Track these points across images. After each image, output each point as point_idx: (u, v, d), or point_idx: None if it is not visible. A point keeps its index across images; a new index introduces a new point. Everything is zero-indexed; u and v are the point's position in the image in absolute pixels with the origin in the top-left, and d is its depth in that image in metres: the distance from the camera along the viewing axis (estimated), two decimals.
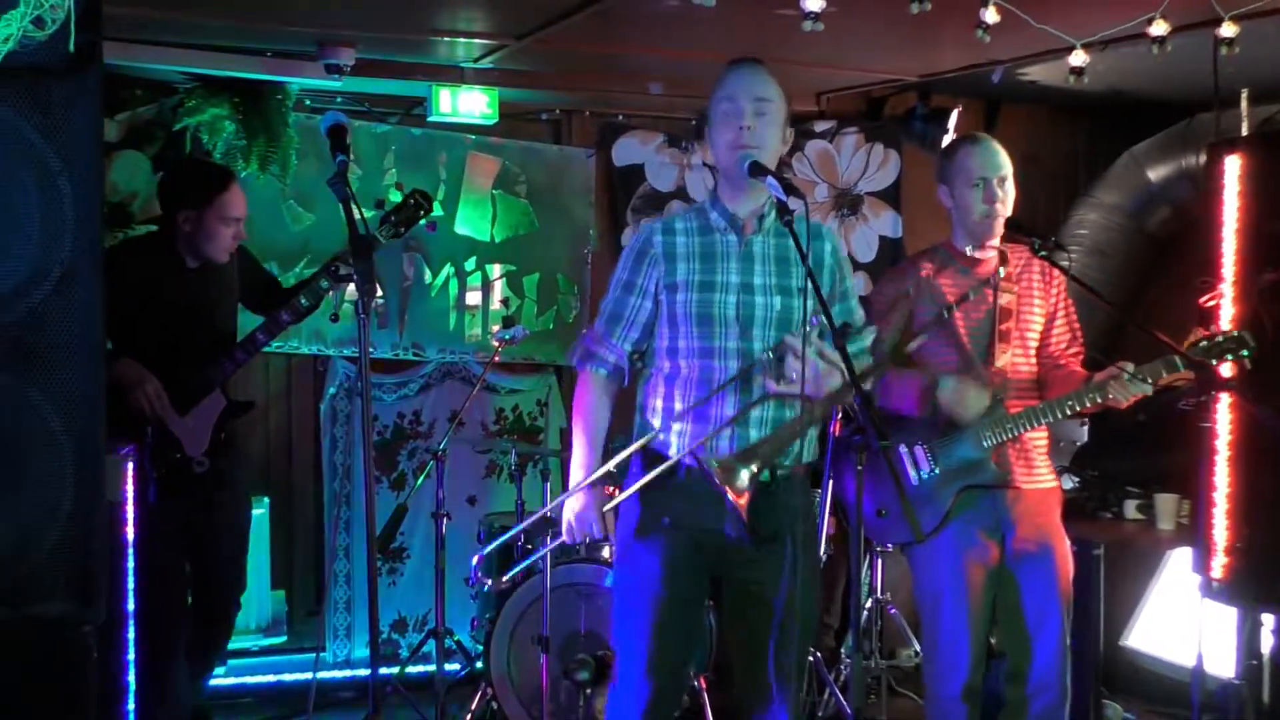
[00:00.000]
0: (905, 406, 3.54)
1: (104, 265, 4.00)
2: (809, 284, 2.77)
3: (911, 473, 3.56)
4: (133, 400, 3.82)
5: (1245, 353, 3.35)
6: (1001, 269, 3.58)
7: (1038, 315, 3.60)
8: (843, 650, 5.09)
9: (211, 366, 3.98)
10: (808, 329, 2.82)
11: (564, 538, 3.11)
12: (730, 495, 2.74)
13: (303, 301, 3.96)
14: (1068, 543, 3.60)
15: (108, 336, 3.79)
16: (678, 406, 2.97)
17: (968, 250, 3.60)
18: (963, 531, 3.52)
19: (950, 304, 3.54)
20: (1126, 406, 3.43)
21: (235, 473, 4.25)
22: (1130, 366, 3.36)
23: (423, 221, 4.09)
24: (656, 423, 3.01)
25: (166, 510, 3.87)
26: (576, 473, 3.07)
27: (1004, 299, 3.55)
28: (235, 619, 4.36)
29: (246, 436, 4.21)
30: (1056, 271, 3.62)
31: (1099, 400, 3.41)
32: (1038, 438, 3.58)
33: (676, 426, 2.97)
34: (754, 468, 2.77)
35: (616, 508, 3.05)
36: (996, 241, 3.59)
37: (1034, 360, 3.60)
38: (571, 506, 3.08)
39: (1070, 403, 3.44)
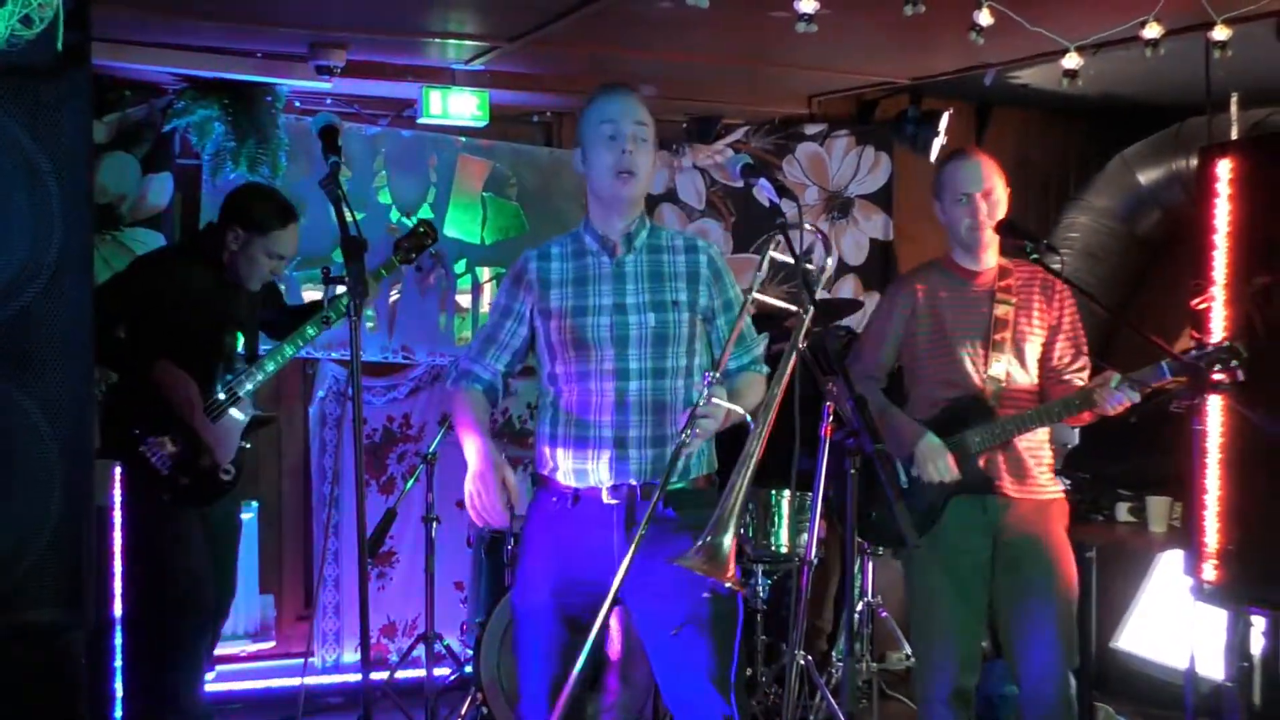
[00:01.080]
0: (890, 444, 3.54)
1: (145, 269, 4.07)
2: (803, 288, 2.76)
3: (904, 475, 3.57)
4: (170, 402, 3.87)
5: (1235, 363, 3.36)
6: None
7: (1037, 329, 3.60)
8: (834, 654, 5.09)
9: (243, 376, 4.03)
10: (703, 389, 2.72)
11: (472, 518, 2.94)
12: (726, 584, 2.68)
13: (330, 315, 4.05)
14: (1069, 552, 3.58)
15: (147, 339, 3.88)
16: (560, 432, 2.95)
17: (964, 264, 3.62)
18: (955, 536, 3.52)
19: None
20: (1115, 415, 3.44)
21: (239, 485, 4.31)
22: (1116, 376, 3.37)
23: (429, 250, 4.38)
24: (545, 449, 2.98)
25: (190, 517, 3.95)
26: (471, 452, 2.91)
27: (1000, 310, 3.56)
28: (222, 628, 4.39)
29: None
30: (1061, 287, 3.62)
31: (1085, 408, 3.43)
32: (1035, 449, 3.58)
33: (560, 452, 2.94)
34: (727, 538, 2.70)
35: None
36: (993, 253, 3.59)
37: (1032, 373, 3.60)
38: (473, 481, 2.89)
39: (1058, 410, 3.47)
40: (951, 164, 3.62)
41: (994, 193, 3.54)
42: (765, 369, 3.04)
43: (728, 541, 2.64)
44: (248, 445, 4.11)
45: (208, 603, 4.07)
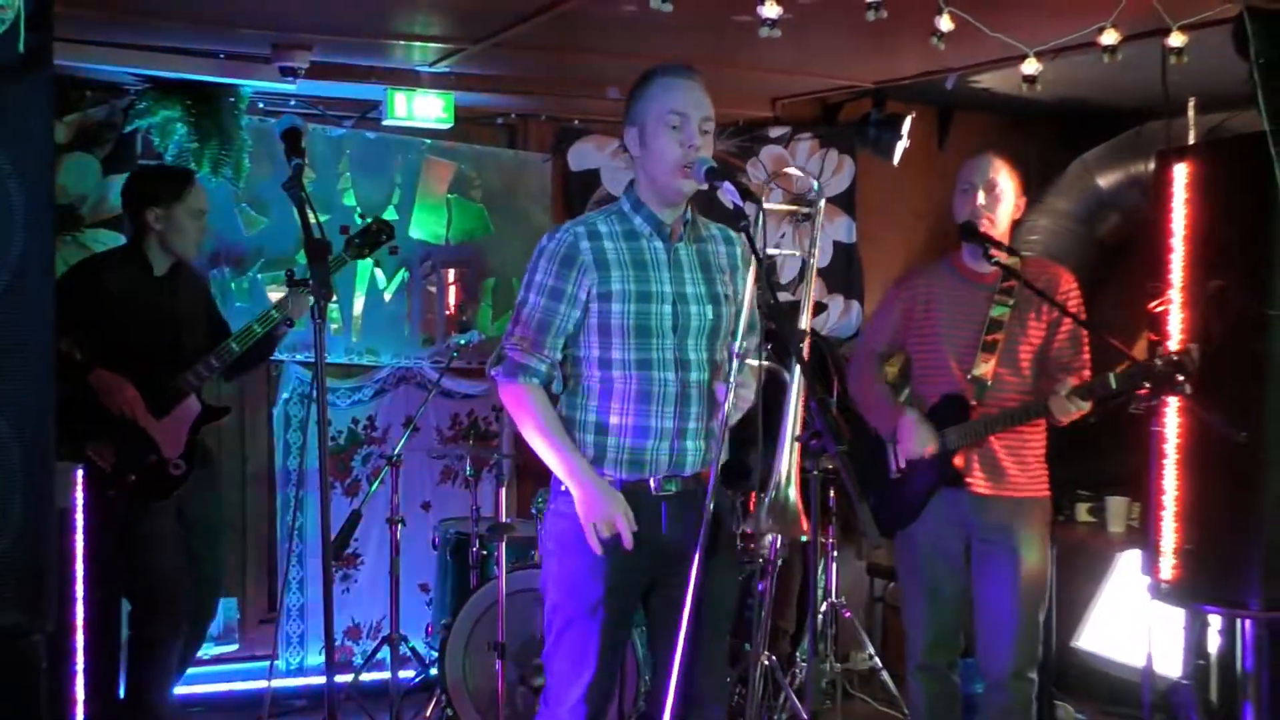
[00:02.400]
0: (877, 426, 3.77)
1: (77, 278, 4.07)
2: (760, 287, 2.78)
3: (894, 465, 3.71)
4: (110, 405, 3.92)
5: (1181, 379, 3.36)
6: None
7: (1034, 330, 3.64)
8: (798, 654, 5.11)
9: (187, 372, 4.06)
10: (733, 363, 2.79)
11: (593, 544, 2.83)
12: (803, 537, 2.73)
13: (274, 314, 4.09)
14: (1040, 553, 3.63)
15: (81, 348, 3.89)
16: (613, 421, 2.87)
17: (970, 264, 3.68)
18: (932, 527, 3.66)
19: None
20: (1066, 423, 3.51)
21: (215, 481, 4.40)
22: (1067, 386, 3.42)
23: (385, 247, 4.38)
24: (587, 438, 2.89)
25: (148, 515, 4.01)
26: (584, 482, 2.84)
27: (996, 311, 3.62)
28: (209, 628, 4.46)
29: (216, 446, 4.36)
30: (1065, 287, 3.66)
31: (1043, 415, 3.51)
32: (1017, 447, 3.62)
33: (612, 441, 2.87)
34: (793, 491, 2.73)
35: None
36: (1001, 257, 3.63)
37: (1026, 374, 3.63)
38: (595, 509, 2.82)
39: (1019, 414, 3.55)
40: (967, 160, 3.73)
41: (998, 189, 3.63)
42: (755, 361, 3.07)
43: (794, 494, 2.67)
44: (199, 438, 4.14)
45: (179, 603, 4.10)
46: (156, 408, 4.01)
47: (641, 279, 2.87)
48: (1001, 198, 3.64)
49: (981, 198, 3.62)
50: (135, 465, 3.98)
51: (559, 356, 2.90)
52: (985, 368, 3.60)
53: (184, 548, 4.15)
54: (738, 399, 2.82)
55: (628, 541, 2.82)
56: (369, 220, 4.38)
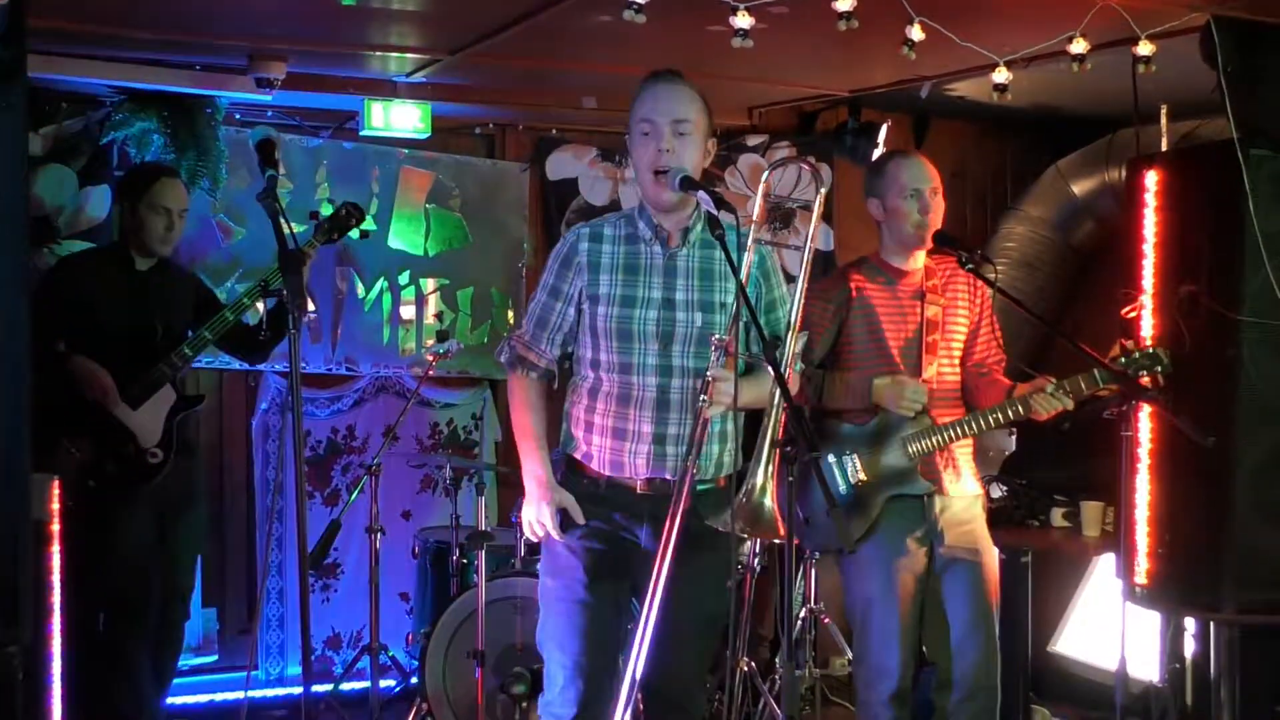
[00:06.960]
0: (849, 403, 3.63)
1: (59, 274, 4.20)
2: (738, 299, 2.78)
3: (841, 482, 3.61)
4: (85, 394, 3.99)
5: (1159, 368, 3.47)
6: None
7: (962, 325, 3.68)
8: (777, 660, 5.13)
9: (162, 362, 4.12)
10: (735, 351, 2.76)
11: (527, 535, 3.06)
12: (777, 540, 2.75)
13: (244, 300, 4.17)
14: (994, 549, 3.67)
15: (62, 338, 4.02)
16: (596, 420, 2.96)
17: (895, 263, 3.66)
18: (892, 539, 3.57)
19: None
20: (1046, 419, 3.52)
21: (197, 479, 4.43)
22: (1051, 384, 3.44)
23: (354, 233, 4.35)
24: (578, 433, 3.00)
25: (131, 499, 4.08)
26: (531, 479, 3.01)
27: (930, 311, 3.63)
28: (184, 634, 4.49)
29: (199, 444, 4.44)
30: (982, 289, 3.68)
31: (1021, 413, 3.50)
32: (964, 446, 3.64)
33: (595, 440, 2.96)
34: (768, 499, 2.75)
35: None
36: (923, 254, 3.65)
37: (959, 370, 3.68)
38: (526, 511, 3.02)
39: (995, 415, 3.53)
40: (896, 161, 3.69)
41: (939, 192, 3.63)
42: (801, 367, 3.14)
43: (769, 502, 2.69)
44: (174, 429, 4.17)
45: (144, 601, 4.14)
46: (133, 397, 4.07)
47: (629, 284, 2.93)
48: (943, 201, 3.64)
49: (931, 205, 3.60)
50: (113, 455, 4.05)
51: (556, 353, 3.03)
52: (932, 370, 3.61)
53: (158, 551, 4.19)
54: (717, 393, 2.77)
55: (556, 534, 2.95)
56: (338, 205, 4.33)
